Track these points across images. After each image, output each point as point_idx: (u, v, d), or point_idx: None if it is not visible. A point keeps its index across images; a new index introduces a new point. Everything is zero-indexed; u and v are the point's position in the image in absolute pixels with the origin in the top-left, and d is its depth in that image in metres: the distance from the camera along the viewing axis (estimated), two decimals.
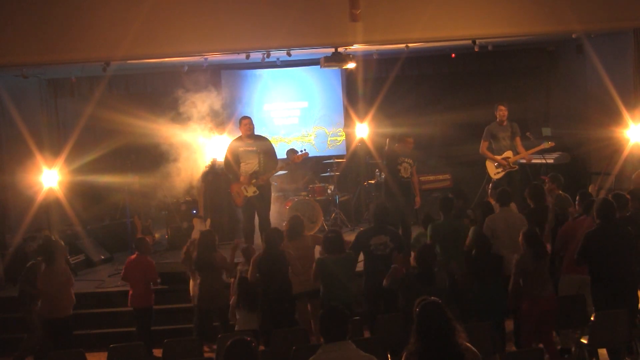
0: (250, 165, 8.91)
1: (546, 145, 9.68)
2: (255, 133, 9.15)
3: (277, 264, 6.65)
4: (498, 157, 9.51)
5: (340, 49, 9.17)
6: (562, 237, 6.84)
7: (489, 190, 8.30)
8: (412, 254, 7.20)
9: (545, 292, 6.11)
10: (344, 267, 6.52)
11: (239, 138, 9.11)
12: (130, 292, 7.56)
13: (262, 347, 6.24)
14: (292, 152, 11.35)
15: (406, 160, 9.00)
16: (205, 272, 7.14)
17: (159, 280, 8.05)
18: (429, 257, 6.01)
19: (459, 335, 3.88)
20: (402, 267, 6.61)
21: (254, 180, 8.81)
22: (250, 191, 8.82)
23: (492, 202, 8.03)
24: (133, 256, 7.63)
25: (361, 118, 11.68)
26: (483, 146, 9.62)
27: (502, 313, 6.49)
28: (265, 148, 8.98)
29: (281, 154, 11.80)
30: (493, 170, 9.64)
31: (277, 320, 6.53)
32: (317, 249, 7.17)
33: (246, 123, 8.95)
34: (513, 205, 7.73)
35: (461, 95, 12.57)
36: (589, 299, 6.45)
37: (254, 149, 8.91)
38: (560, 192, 7.96)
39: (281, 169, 9.09)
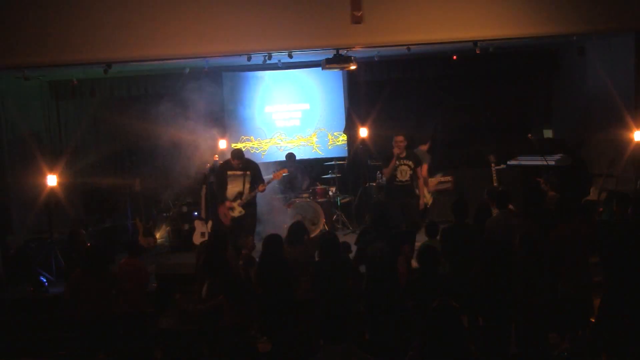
0: (235, 187, 9.05)
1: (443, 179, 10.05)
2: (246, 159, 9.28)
3: (277, 270, 6.56)
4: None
5: (342, 51, 9.17)
6: (559, 242, 6.62)
7: (485, 196, 8.29)
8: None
9: (539, 296, 6.01)
10: (341, 269, 6.45)
11: (228, 162, 9.19)
12: (122, 296, 7.43)
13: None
14: (290, 156, 11.36)
15: (404, 162, 8.93)
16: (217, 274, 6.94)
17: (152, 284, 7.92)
18: (431, 257, 5.96)
19: (468, 342, 3.88)
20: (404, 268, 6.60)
21: (238, 201, 9.00)
22: (237, 211, 9.03)
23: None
24: (123, 260, 7.46)
25: (363, 120, 11.68)
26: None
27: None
28: (251, 172, 9.10)
29: (280, 154, 11.88)
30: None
31: (277, 326, 6.47)
32: None
33: (239, 159, 8.99)
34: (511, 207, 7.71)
35: (462, 97, 12.58)
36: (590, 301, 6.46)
37: (241, 173, 9.06)
38: (553, 193, 7.96)
39: (262, 189, 9.08)
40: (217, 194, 9.21)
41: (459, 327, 3.86)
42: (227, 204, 9.01)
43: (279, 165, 11.03)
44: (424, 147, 10.38)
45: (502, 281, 6.39)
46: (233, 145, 11.73)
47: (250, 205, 9.09)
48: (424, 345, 3.87)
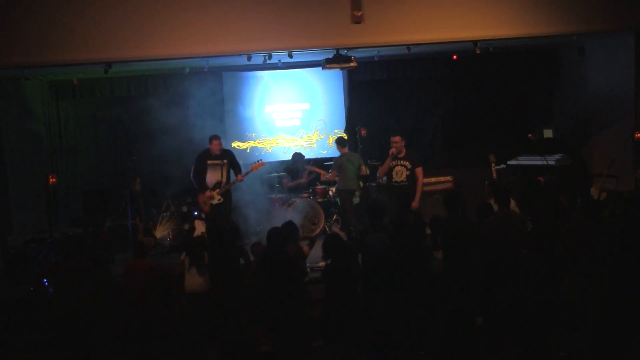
0: (214, 176, 9.41)
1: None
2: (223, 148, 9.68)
3: (279, 266, 6.42)
4: None
5: (342, 51, 9.17)
6: (568, 239, 6.58)
7: (486, 191, 8.32)
8: None
9: (539, 295, 6.03)
10: (349, 272, 6.31)
11: (208, 151, 9.48)
12: (131, 295, 7.44)
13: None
14: (298, 155, 11.36)
15: (400, 162, 8.87)
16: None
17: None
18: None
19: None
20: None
21: (217, 190, 9.38)
22: (216, 199, 9.42)
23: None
24: (131, 260, 7.49)
25: (363, 119, 11.66)
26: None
27: None
28: (229, 162, 9.53)
29: (282, 156, 11.88)
30: None
31: (278, 326, 6.37)
32: None
33: (216, 144, 9.42)
34: (513, 204, 7.71)
35: (462, 97, 12.58)
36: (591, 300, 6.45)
37: (219, 162, 9.44)
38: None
39: (240, 178, 9.46)
40: (197, 183, 9.47)
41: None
42: (208, 193, 9.34)
43: (283, 164, 11.12)
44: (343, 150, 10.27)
45: (502, 280, 6.41)
46: (235, 144, 11.77)
47: (227, 194, 9.48)
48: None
